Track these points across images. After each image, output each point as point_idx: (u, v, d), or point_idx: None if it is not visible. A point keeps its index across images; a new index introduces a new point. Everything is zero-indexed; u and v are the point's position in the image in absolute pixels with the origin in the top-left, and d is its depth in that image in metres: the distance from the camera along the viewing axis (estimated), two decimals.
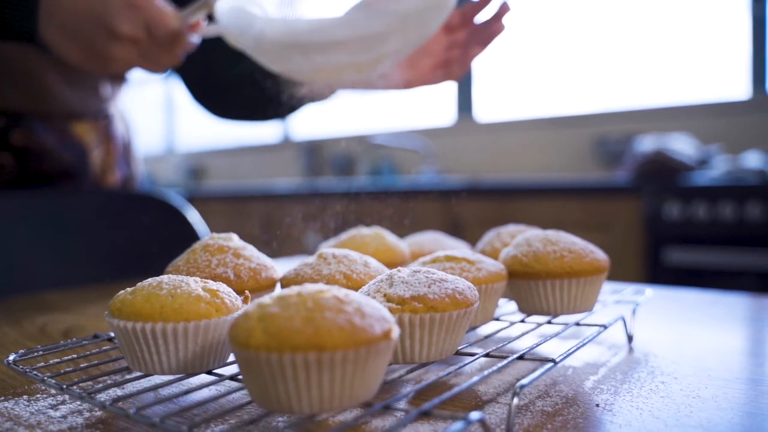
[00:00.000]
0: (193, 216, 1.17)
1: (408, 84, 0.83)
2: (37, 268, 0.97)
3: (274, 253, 0.86)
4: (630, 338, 0.61)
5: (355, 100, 3.45)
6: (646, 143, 2.34)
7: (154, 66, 0.71)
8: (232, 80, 0.93)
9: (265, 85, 0.77)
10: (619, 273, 2.16)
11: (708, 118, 2.61)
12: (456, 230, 2.42)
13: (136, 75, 1.24)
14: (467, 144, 3.27)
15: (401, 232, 0.83)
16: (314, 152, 3.78)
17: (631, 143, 2.57)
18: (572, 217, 2.27)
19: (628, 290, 0.71)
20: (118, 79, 1.11)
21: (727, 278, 1.96)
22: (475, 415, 0.33)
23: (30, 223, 0.98)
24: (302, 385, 0.33)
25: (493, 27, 0.79)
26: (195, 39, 0.70)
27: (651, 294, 0.70)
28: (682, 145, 2.29)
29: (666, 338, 0.64)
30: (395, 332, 0.36)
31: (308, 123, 3.87)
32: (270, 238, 0.92)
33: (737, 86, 2.58)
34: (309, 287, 0.36)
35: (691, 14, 2.71)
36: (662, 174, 2.20)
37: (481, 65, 3.25)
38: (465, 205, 2.52)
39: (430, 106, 3.46)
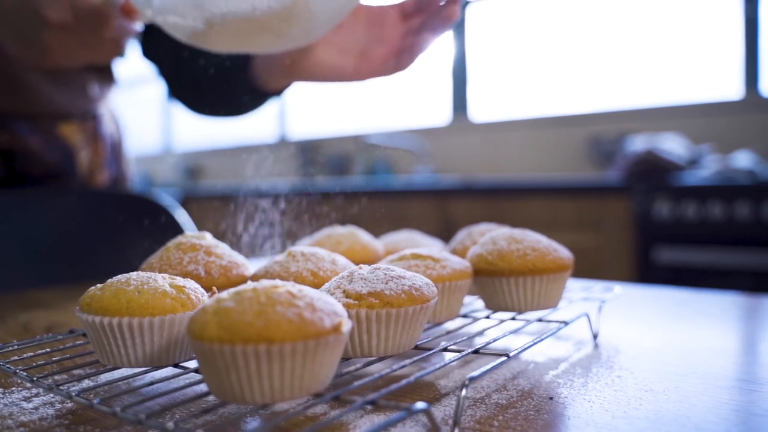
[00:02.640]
0: (182, 216, 1.18)
1: (358, 75, 0.80)
2: (23, 266, 0.99)
3: (268, 252, 0.88)
4: (595, 335, 0.63)
5: (350, 99, 3.47)
6: (638, 143, 2.35)
7: (94, 54, 0.71)
8: (198, 73, 0.92)
9: (224, 77, 0.77)
10: (609, 272, 2.19)
11: (702, 118, 2.63)
12: (449, 229, 2.44)
13: (131, 74, 1.25)
14: (462, 144, 3.28)
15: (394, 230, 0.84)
16: (310, 152, 3.80)
17: (624, 143, 2.59)
18: (564, 216, 2.28)
19: (597, 288, 0.73)
20: (107, 78, 1.12)
21: (717, 277, 1.98)
22: (419, 405, 0.35)
23: (16, 222, 0.99)
24: (254, 376, 0.35)
25: (446, 12, 0.74)
26: (137, 26, 0.69)
27: (620, 291, 0.72)
28: (672, 145, 2.31)
29: (632, 335, 0.65)
30: (346, 326, 0.37)
31: (304, 123, 3.89)
32: (264, 236, 0.94)
33: (730, 86, 2.59)
34: (264, 283, 0.38)
35: (684, 15, 2.72)
36: (653, 173, 2.22)
37: (478, 66, 3.26)
38: (458, 204, 2.53)
39: (426, 106, 3.48)
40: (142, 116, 4.76)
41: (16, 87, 0.97)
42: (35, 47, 0.68)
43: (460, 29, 3.26)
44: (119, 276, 0.46)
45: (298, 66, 0.79)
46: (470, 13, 3.24)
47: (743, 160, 2.18)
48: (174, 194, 3.19)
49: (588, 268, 2.08)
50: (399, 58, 0.79)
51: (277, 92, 0.87)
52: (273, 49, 0.68)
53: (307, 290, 0.38)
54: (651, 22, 2.79)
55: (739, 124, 2.54)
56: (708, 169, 2.19)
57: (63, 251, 1.04)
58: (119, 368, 0.46)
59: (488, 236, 0.61)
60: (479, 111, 3.27)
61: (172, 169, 4.56)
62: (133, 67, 1.17)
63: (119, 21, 0.67)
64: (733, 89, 2.58)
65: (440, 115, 3.39)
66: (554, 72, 3.06)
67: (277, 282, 0.38)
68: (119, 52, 0.72)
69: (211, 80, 0.83)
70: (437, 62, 3.34)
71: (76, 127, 1.08)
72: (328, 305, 0.38)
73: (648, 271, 2.10)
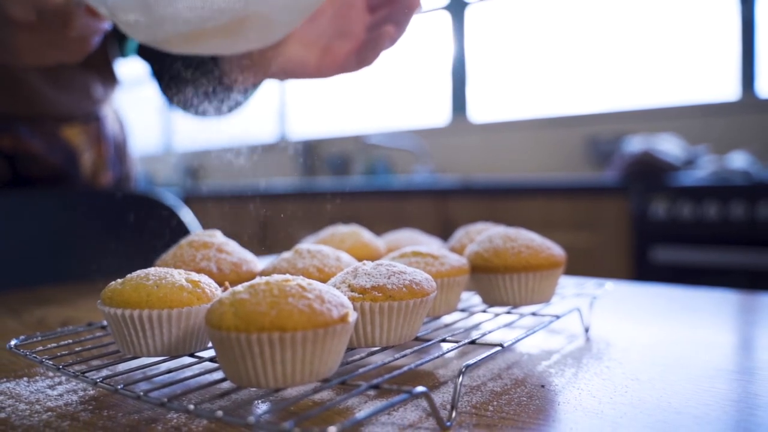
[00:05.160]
0: (187, 215, 1.21)
1: (321, 71, 0.76)
2: (34, 264, 1.01)
3: (269, 250, 0.91)
4: (587, 329, 0.66)
5: (350, 99, 3.50)
6: (634, 144, 2.39)
7: (62, 53, 0.71)
8: (178, 72, 0.92)
9: (197, 75, 0.77)
10: (606, 271, 2.22)
11: (698, 119, 2.66)
12: (448, 229, 2.47)
13: (131, 74, 1.27)
14: (461, 144, 3.31)
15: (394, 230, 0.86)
16: (310, 152, 3.83)
17: (621, 143, 2.62)
18: (562, 216, 2.31)
19: (590, 284, 0.76)
20: (110, 79, 1.14)
21: (712, 277, 2.01)
22: (419, 388, 0.38)
23: (27, 221, 1.02)
24: (267, 362, 0.38)
25: (407, 2, 0.70)
26: (104, 25, 0.69)
27: (611, 288, 0.75)
28: (669, 146, 2.34)
29: (623, 329, 0.68)
30: (352, 317, 0.40)
31: (304, 122, 3.92)
32: (265, 235, 0.97)
33: (726, 87, 2.63)
34: (276, 277, 0.41)
35: (682, 16, 2.76)
36: (650, 174, 2.25)
37: (477, 66, 3.29)
38: (457, 204, 2.57)
39: (425, 106, 3.51)
40: (142, 116, 4.78)
41: (18, 89, 0.98)
42: (7, 48, 0.69)
43: (459, 30, 3.29)
44: (138, 271, 0.50)
45: (260, 61, 0.77)
46: (470, 13, 3.27)
47: (739, 160, 2.21)
48: (175, 194, 3.22)
49: (585, 267, 2.11)
50: (362, 54, 0.74)
51: (244, 90, 0.85)
52: (230, 50, 0.66)
53: (316, 284, 0.41)
54: (648, 23, 2.83)
55: (735, 125, 2.58)
56: (704, 170, 2.22)
57: (71, 250, 1.06)
58: (138, 357, 0.49)
59: (485, 235, 0.64)
60: (478, 111, 3.30)
61: (172, 168, 4.59)
62: (133, 67, 1.20)
63: (84, 20, 0.66)
64: (729, 90, 2.62)
65: (439, 115, 3.42)
66: (552, 73, 3.10)
67: (288, 276, 0.41)
68: (86, 50, 0.72)
69: (187, 79, 0.83)
70: (437, 62, 3.38)
71: (79, 129, 1.09)
72: (336, 297, 0.41)
73: (644, 270, 2.13)
